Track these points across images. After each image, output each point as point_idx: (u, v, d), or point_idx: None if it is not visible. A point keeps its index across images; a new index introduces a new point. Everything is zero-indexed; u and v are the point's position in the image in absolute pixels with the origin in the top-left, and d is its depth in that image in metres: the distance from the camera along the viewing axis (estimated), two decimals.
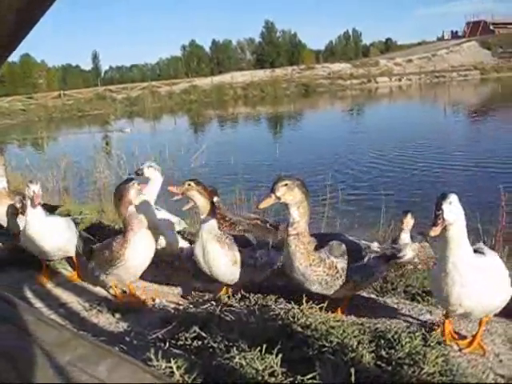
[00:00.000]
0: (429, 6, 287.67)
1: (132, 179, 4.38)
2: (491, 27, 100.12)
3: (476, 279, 3.08)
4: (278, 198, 3.66)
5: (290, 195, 3.67)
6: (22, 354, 1.20)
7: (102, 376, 0.97)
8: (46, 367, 1.09)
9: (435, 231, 3.04)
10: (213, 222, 4.20)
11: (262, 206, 3.75)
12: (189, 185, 4.21)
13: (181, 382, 2.21)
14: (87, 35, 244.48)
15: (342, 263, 3.80)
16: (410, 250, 4.38)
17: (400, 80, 72.23)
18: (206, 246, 4.17)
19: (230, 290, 4.42)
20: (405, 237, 5.88)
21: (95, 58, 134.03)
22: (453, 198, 3.08)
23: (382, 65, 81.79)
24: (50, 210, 6.51)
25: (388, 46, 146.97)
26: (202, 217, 4.20)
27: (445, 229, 3.06)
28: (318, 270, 3.73)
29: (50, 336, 1.21)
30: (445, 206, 3.03)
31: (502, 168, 15.37)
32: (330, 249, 3.83)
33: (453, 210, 3.04)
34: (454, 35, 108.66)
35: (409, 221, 5.91)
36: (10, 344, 1.27)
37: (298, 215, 3.69)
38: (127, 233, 4.27)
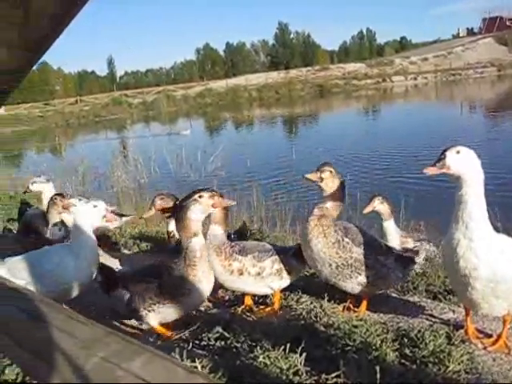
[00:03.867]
0: (443, 3, 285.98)
1: (205, 189, 3.54)
2: (508, 23, 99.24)
3: (491, 247, 3.01)
4: (321, 179, 3.90)
5: (331, 182, 3.91)
6: (54, 350, 1.22)
7: (136, 371, 0.99)
8: (80, 364, 1.11)
9: (430, 169, 3.06)
10: (217, 231, 4.09)
11: (308, 176, 3.94)
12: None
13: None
14: (102, 41, 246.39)
15: (357, 251, 3.81)
16: (424, 253, 4.42)
17: (416, 79, 71.84)
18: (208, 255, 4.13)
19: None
20: (387, 225, 5.52)
21: (110, 63, 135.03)
22: (463, 150, 3.05)
23: (397, 64, 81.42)
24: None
25: (403, 45, 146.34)
26: (212, 225, 4.10)
27: (457, 180, 3.04)
28: (332, 251, 3.78)
29: (82, 333, 1.23)
30: (449, 153, 3.02)
31: None
32: (347, 232, 3.88)
33: (460, 161, 3.01)
34: (470, 32, 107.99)
35: (380, 206, 5.44)
36: (42, 341, 1.29)
37: (330, 203, 3.90)
38: (194, 253, 3.46)
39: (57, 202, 5.14)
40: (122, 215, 6.90)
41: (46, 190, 6.21)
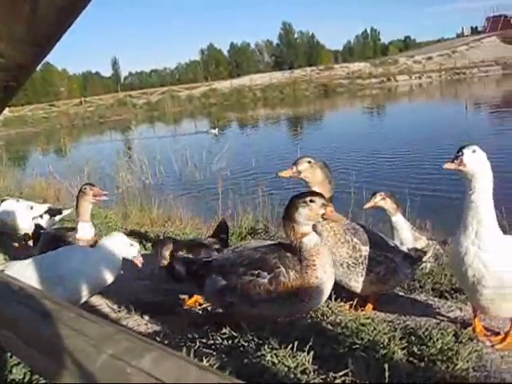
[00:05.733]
0: (446, 2, 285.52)
1: (319, 194, 3.18)
2: None
3: (499, 255, 3.02)
4: (299, 172, 3.71)
5: (311, 173, 3.71)
6: (63, 349, 1.22)
7: (146, 368, 0.98)
8: (91, 361, 1.11)
9: (449, 165, 3.07)
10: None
11: (283, 174, 3.78)
12: None
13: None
14: (107, 42, 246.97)
15: (365, 249, 3.79)
16: (431, 251, 4.40)
17: (420, 78, 71.76)
18: None
19: None
20: (396, 220, 5.45)
21: (115, 64, 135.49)
22: (478, 150, 3.09)
23: (402, 63, 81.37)
24: (56, 213, 6.85)
25: (407, 44, 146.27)
26: None
27: (467, 178, 3.07)
28: (342, 250, 3.74)
29: (92, 331, 1.22)
30: (466, 151, 3.05)
31: None
32: (355, 232, 3.83)
33: (476, 160, 3.05)
34: (474, 31, 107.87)
35: (376, 201, 5.37)
36: (52, 339, 1.29)
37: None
38: (309, 252, 3.09)
39: (87, 192, 5.01)
40: (59, 211, 7.01)
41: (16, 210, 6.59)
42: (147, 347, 1.06)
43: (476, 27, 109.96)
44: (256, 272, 3.13)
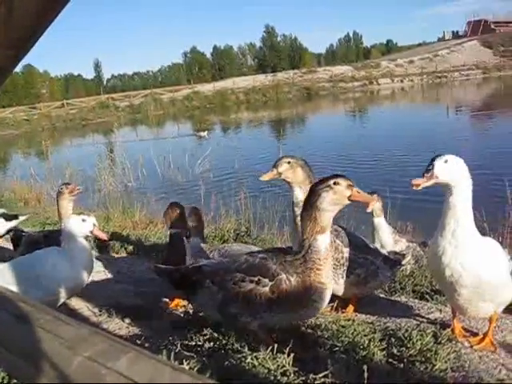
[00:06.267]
0: (428, 6, 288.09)
1: (343, 176, 2.96)
2: (492, 26, 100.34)
3: (476, 254, 3.05)
4: (280, 174, 3.66)
5: (292, 173, 3.66)
6: (40, 352, 1.22)
7: (121, 369, 0.99)
8: (67, 363, 1.11)
9: (417, 181, 3.01)
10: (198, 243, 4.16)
11: (263, 178, 3.72)
12: None
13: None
14: (89, 44, 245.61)
15: (346, 251, 3.79)
16: (410, 255, 4.43)
17: (402, 81, 72.34)
18: None
19: None
20: (379, 221, 5.54)
21: (97, 66, 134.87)
22: (450, 159, 3.05)
23: (384, 66, 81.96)
24: (11, 218, 6.87)
25: (389, 48, 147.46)
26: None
27: (446, 188, 3.06)
28: None
29: (68, 333, 1.22)
30: (437, 163, 3.02)
31: (508, 166, 15.36)
32: (338, 234, 3.83)
33: (448, 169, 3.02)
34: (455, 35, 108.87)
35: (376, 202, 5.39)
36: (28, 342, 1.28)
37: (303, 196, 3.48)
38: (319, 254, 2.88)
39: (63, 191, 5.07)
40: (15, 216, 7.03)
41: None
42: (123, 349, 1.06)
43: (457, 31, 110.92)
44: (256, 279, 2.90)
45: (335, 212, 2.90)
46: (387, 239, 5.50)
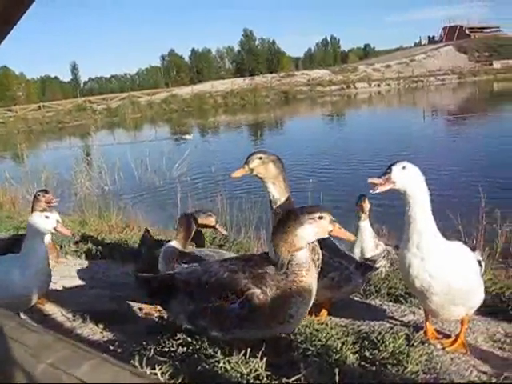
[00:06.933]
0: (405, 12, 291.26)
1: (326, 210, 2.92)
2: (467, 32, 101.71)
3: (443, 262, 3.09)
4: (251, 170, 3.56)
5: (264, 169, 3.55)
6: (3, 359, 1.20)
7: (81, 376, 0.98)
8: (30, 370, 1.09)
9: (374, 180, 3.05)
10: (172, 247, 4.18)
11: (235, 175, 3.64)
12: None
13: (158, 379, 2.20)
14: (66, 46, 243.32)
15: (322, 253, 3.78)
16: (383, 259, 4.47)
17: (379, 85, 72.93)
18: None
19: None
20: (365, 225, 5.59)
21: (74, 69, 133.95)
22: (408, 166, 3.09)
23: (361, 71, 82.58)
24: None
25: (366, 53, 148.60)
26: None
27: (404, 196, 3.11)
28: None
29: (32, 340, 1.21)
30: (395, 168, 3.05)
31: (481, 170, 15.59)
32: None
33: (406, 176, 3.05)
34: (431, 40, 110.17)
35: (367, 205, 5.55)
36: None
37: (277, 192, 3.47)
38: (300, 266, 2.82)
39: (40, 199, 5.05)
40: None
41: None
42: (86, 355, 1.05)
43: (433, 37, 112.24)
44: (224, 295, 2.79)
45: (311, 241, 2.93)
46: (369, 243, 5.54)
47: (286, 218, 2.92)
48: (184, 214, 4.71)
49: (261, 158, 3.56)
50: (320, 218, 2.83)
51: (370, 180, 3.07)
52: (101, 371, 0.98)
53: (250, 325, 2.75)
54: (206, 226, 5.05)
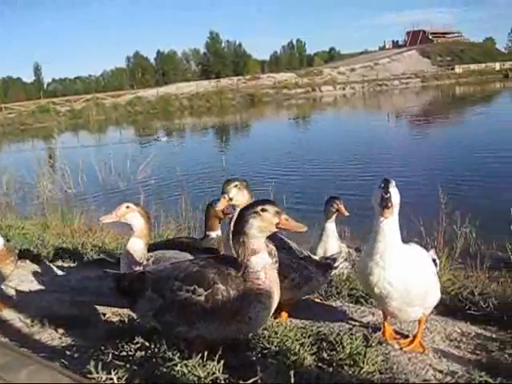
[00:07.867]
0: (370, 16, 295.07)
1: (271, 202, 2.90)
2: (430, 37, 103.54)
3: (402, 271, 3.14)
4: (231, 199, 3.73)
5: (241, 196, 3.74)
6: None
7: (21, 382, 0.97)
8: None
9: (389, 213, 3.05)
10: (139, 245, 4.03)
11: (218, 208, 3.90)
12: (127, 207, 4.01)
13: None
14: (29, 47, 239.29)
15: (280, 256, 3.80)
16: (342, 258, 4.52)
17: (344, 89, 73.66)
18: None
19: None
20: (330, 226, 5.61)
21: (37, 69, 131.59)
22: (393, 182, 3.14)
23: (326, 74, 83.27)
24: None
25: (332, 56, 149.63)
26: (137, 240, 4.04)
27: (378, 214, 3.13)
28: None
29: None
30: (392, 190, 3.09)
31: (443, 170, 15.90)
32: (271, 240, 3.81)
33: (396, 194, 3.11)
34: (395, 44, 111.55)
35: (342, 206, 5.57)
36: None
37: None
38: (254, 274, 2.84)
39: None
40: None
41: None
42: (24, 361, 1.04)
43: (397, 41, 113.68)
44: (192, 288, 2.82)
45: (264, 237, 2.87)
46: (333, 244, 5.57)
47: (236, 219, 2.96)
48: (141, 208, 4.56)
49: (236, 186, 3.74)
50: (263, 210, 2.79)
51: (385, 215, 3.06)
52: (39, 377, 0.97)
53: (213, 319, 2.78)
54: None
